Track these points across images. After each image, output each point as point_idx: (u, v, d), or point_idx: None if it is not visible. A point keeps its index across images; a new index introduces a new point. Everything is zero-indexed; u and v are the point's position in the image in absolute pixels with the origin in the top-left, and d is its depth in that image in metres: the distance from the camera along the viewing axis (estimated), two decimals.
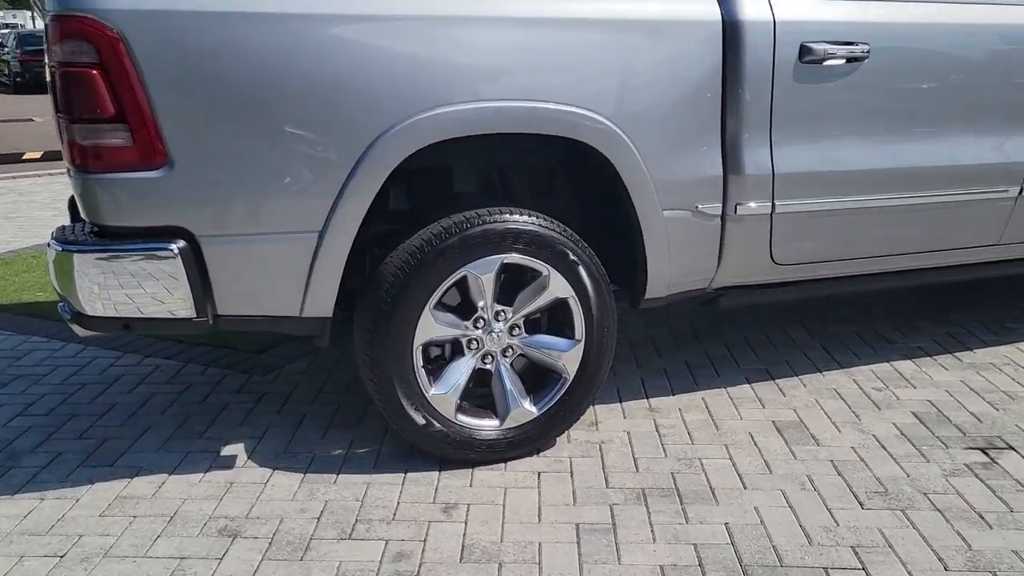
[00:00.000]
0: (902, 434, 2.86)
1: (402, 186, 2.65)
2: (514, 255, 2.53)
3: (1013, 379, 3.30)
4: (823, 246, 2.94)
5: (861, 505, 2.44)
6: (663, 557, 2.20)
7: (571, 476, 2.60)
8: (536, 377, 2.72)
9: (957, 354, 3.55)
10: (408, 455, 2.72)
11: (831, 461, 2.69)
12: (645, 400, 3.11)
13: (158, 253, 2.24)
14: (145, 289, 2.27)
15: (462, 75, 2.38)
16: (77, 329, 2.35)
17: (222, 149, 2.24)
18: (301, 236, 2.35)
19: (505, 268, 2.55)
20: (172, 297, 2.28)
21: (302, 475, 2.62)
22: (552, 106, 2.46)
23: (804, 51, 2.70)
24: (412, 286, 2.44)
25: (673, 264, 2.74)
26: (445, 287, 2.50)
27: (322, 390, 3.22)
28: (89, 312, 2.29)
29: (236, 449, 2.78)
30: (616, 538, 2.28)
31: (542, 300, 2.62)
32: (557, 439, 2.76)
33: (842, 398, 3.13)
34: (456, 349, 2.63)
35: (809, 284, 3.03)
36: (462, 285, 2.54)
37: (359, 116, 2.30)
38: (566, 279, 2.60)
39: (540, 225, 2.52)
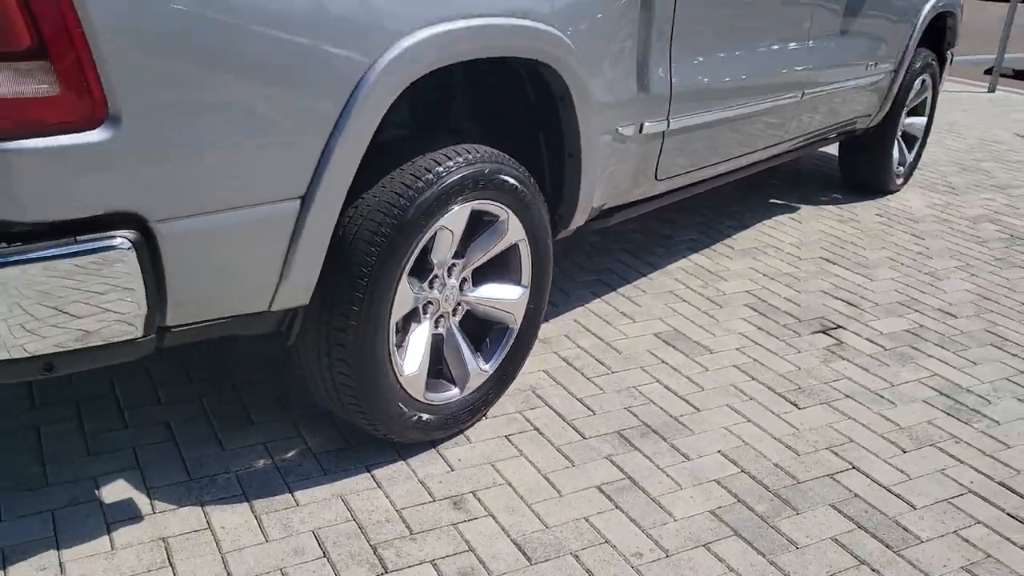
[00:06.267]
0: (759, 328, 3.11)
1: None
2: (484, 201, 2.17)
3: (783, 262, 3.75)
4: (697, 157, 3.00)
5: (797, 406, 2.63)
6: (704, 502, 2.17)
7: (540, 433, 2.40)
8: (479, 332, 2.41)
9: (726, 242, 3.92)
10: (347, 448, 2.27)
11: (735, 367, 2.84)
12: None
13: (105, 250, 1.50)
14: (80, 308, 1.52)
15: None
16: None
17: (185, 93, 1.54)
18: (280, 206, 1.75)
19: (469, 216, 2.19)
20: (117, 313, 1.56)
21: (246, 505, 2.05)
22: (529, 23, 2.11)
23: None
24: (393, 252, 1.98)
25: (598, 190, 2.59)
26: (420, 246, 2.07)
27: (156, 388, 2.50)
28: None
29: (120, 491, 2.06)
30: (646, 492, 2.18)
31: (498, 247, 2.31)
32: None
33: (688, 301, 3.29)
34: (413, 317, 2.21)
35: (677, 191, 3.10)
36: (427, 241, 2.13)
37: (352, 35, 1.74)
38: (521, 221, 2.31)
39: (502, 163, 2.19)
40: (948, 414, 2.64)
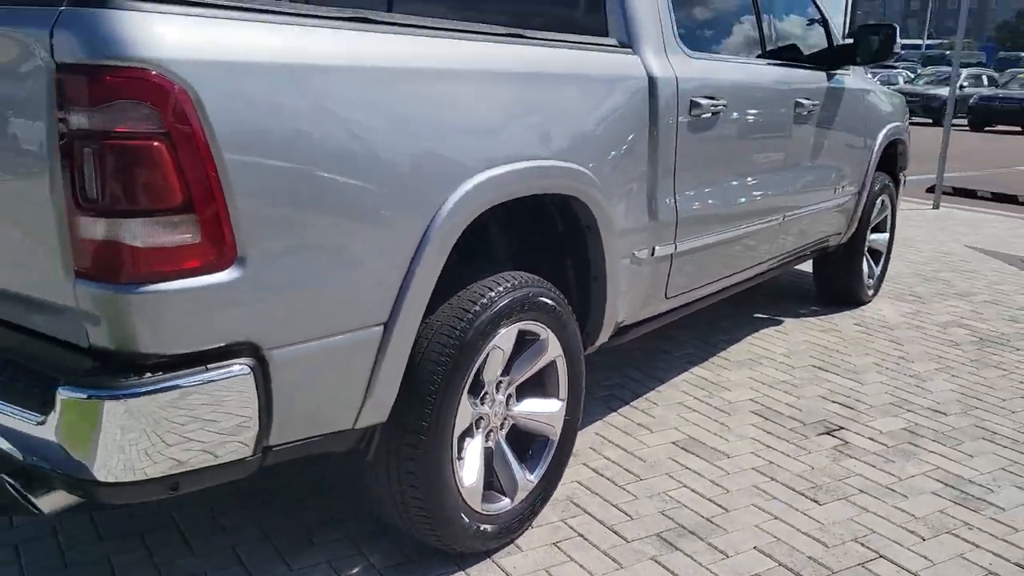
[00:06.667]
0: (768, 432, 3.31)
1: None
2: (528, 322, 2.39)
3: (778, 371, 3.99)
4: (699, 276, 3.27)
5: (817, 502, 2.81)
6: None
7: (585, 539, 2.54)
8: (522, 445, 2.58)
9: (722, 355, 4.17)
10: (407, 562, 2.39)
11: (754, 469, 3.02)
12: None
13: (229, 378, 1.68)
14: (203, 431, 1.68)
15: (503, 134, 2.20)
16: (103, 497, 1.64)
17: (296, 237, 1.76)
18: (368, 331, 1.95)
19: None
20: (234, 434, 1.73)
21: None
22: (564, 164, 2.39)
23: (693, 105, 2.99)
24: (456, 371, 2.17)
25: (621, 308, 2.83)
26: (477, 366, 2.27)
27: (216, 516, 2.61)
28: (128, 478, 1.62)
29: None
30: None
31: (539, 364, 2.51)
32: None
33: (697, 411, 3.49)
34: (467, 432, 2.38)
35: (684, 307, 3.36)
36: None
37: (426, 181, 1.99)
38: (559, 339, 2.53)
39: (542, 287, 2.42)
40: (957, 503, 2.83)
